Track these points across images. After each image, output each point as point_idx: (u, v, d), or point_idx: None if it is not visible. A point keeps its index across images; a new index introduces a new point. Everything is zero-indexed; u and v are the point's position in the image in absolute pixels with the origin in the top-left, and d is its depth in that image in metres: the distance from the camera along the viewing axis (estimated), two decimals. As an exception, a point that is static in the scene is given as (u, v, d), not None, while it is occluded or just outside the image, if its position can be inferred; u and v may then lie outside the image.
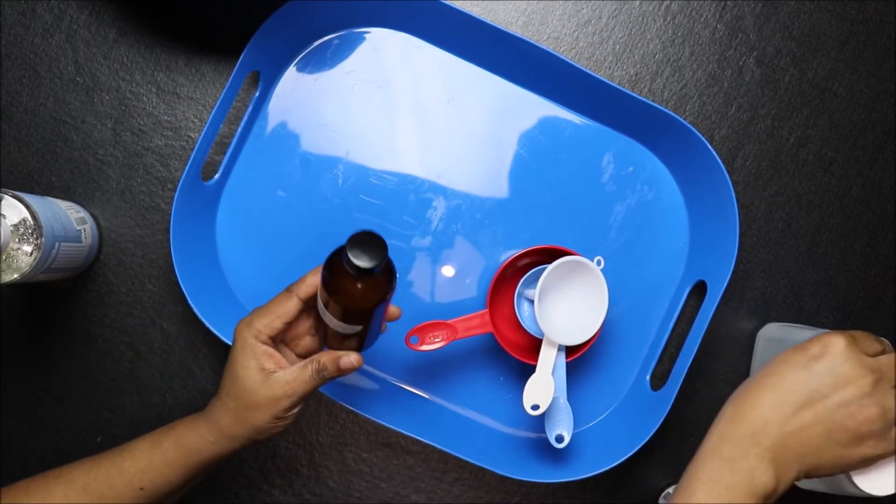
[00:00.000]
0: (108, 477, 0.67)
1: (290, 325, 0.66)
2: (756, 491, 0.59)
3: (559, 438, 0.75)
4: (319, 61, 0.80)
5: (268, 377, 0.64)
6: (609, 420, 0.80)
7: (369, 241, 0.56)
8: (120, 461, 0.68)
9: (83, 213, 0.78)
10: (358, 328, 0.63)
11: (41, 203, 0.71)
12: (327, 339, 0.66)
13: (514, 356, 0.76)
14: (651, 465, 0.82)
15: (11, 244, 0.68)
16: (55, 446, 0.80)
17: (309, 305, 0.67)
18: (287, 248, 0.79)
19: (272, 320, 0.65)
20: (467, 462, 0.78)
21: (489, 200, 0.80)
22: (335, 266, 0.58)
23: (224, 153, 0.79)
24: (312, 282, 0.65)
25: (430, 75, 0.80)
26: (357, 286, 0.58)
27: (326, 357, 0.65)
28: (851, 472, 0.64)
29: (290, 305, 0.65)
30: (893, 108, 0.83)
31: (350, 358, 0.65)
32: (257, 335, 0.65)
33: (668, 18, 0.83)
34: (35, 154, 0.80)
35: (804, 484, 0.70)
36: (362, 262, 0.55)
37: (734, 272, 0.76)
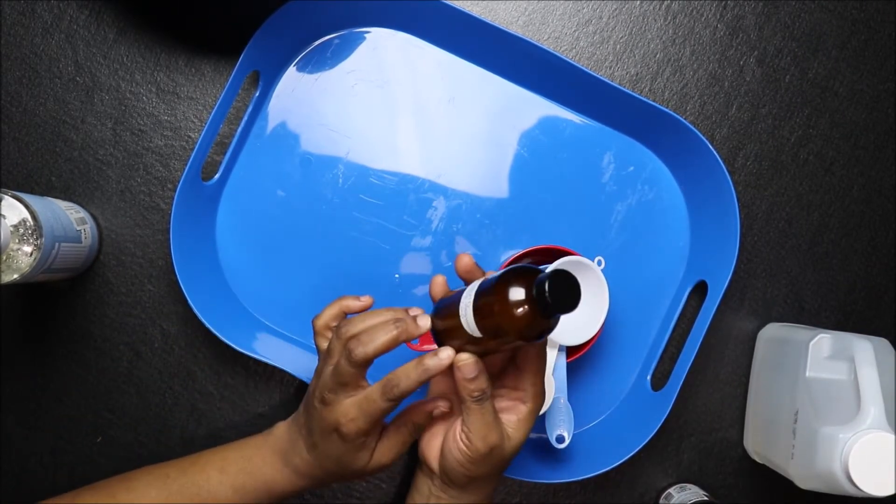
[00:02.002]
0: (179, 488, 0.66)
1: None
2: None
3: (560, 439, 0.75)
4: (319, 61, 0.80)
5: (371, 453, 0.64)
6: (609, 420, 0.80)
7: (571, 283, 0.56)
8: (200, 502, 0.66)
9: (83, 214, 0.78)
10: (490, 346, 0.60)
11: (41, 203, 0.71)
12: (446, 337, 0.62)
13: (514, 356, 0.76)
14: (651, 465, 0.82)
15: (11, 244, 0.68)
16: (55, 446, 0.80)
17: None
18: (287, 247, 0.79)
19: (375, 423, 0.62)
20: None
21: (489, 200, 0.80)
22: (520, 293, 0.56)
23: (224, 153, 0.79)
24: (413, 380, 0.61)
25: (430, 75, 0.80)
26: (535, 320, 0.57)
27: (418, 417, 0.64)
28: (851, 472, 0.64)
29: (390, 409, 0.62)
30: (894, 108, 0.83)
31: (440, 405, 0.64)
32: (363, 434, 0.62)
33: (669, 18, 0.82)
34: (35, 154, 0.80)
35: (804, 484, 0.70)
36: (563, 306, 0.55)
37: (735, 272, 0.75)
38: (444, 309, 0.62)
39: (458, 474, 0.63)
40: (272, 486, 0.66)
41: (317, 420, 0.63)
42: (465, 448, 0.62)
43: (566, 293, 0.55)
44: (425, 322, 0.62)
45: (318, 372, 0.64)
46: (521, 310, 0.56)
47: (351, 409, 0.61)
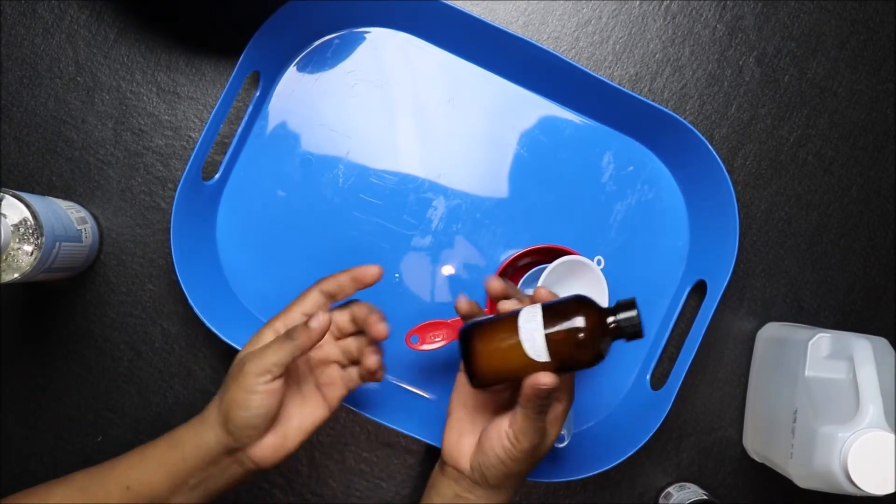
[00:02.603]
0: (101, 475, 0.67)
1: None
2: None
3: (560, 438, 0.75)
4: (319, 61, 0.80)
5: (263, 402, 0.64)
6: (609, 420, 0.80)
7: (635, 309, 0.61)
8: (115, 461, 0.67)
9: (83, 213, 0.78)
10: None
11: (42, 203, 0.71)
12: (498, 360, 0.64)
13: (514, 356, 0.76)
14: (651, 465, 0.82)
15: (12, 244, 0.68)
16: (55, 446, 0.80)
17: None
18: (287, 247, 0.79)
19: (286, 360, 0.63)
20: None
21: (489, 200, 0.80)
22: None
23: (224, 153, 0.79)
24: (323, 326, 0.64)
25: (430, 75, 0.80)
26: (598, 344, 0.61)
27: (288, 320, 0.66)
28: (850, 471, 0.64)
29: (308, 345, 0.64)
30: (893, 108, 0.83)
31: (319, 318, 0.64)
32: (266, 374, 0.63)
33: (668, 18, 0.83)
34: (35, 154, 0.80)
35: (803, 483, 0.70)
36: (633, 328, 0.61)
37: (734, 272, 0.76)
38: (495, 330, 0.63)
39: (497, 472, 0.65)
40: (183, 442, 0.66)
41: (235, 360, 0.66)
42: (510, 446, 0.63)
43: (639, 321, 0.61)
44: (316, 323, 0.63)
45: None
46: (600, 345, 0.61)
47: (267, 343, 0.65)
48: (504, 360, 0.61)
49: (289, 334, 0.63)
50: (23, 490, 0.68)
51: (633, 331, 0.61)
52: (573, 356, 0.60)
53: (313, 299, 0.67)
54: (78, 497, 0.66)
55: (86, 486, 0.67)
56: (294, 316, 0.67)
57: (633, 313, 0.61)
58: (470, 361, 0.62)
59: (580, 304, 0.61)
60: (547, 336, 0.60)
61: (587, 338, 0.60)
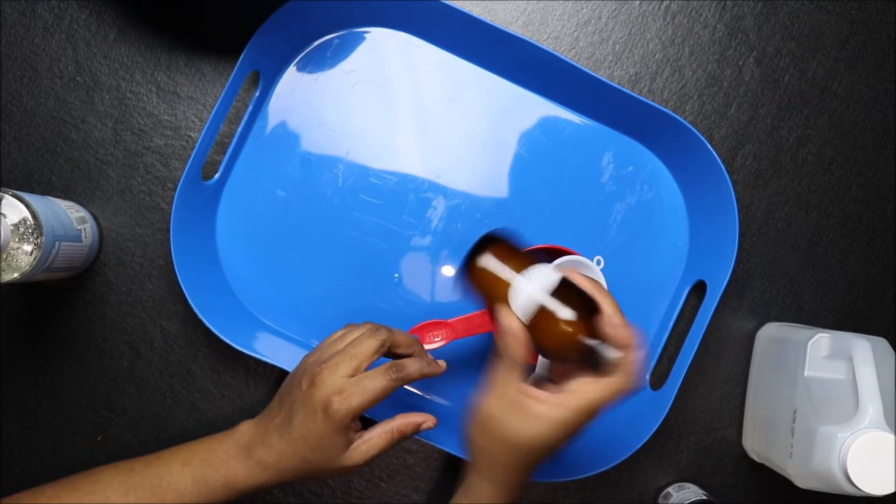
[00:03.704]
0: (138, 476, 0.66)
1: None
2: None
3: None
4: (319, 61, 0.80)
5: (350, 446, 0.64)
6: (608, 419, 0.80)
7: None
8: (161, 493, 0.66)
9: (83, 213, 0.78)
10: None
11: (41, 202, 0.71)
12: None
13: (513, 356, 0.76)
14: (650, 465, 0.82)
15: (11, 243, 0.68)
16: (55, 446, 0.80)
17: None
18: (287, 247, 0.79)
19: (369, 404, 0.63)
20: (467, 462, 0.78)
21: (489, 200, 0.80)
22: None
23: (224, 153, 0.79)
24: (417, 369, 0.65)
25: (430, 75, 0.80)
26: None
27: (407, 428, 0.66)
28: (849, 471, 0.64)
29: (390, 389, 0.64)
30: (893, 108, 0.83)
31: (429, 423, 0.66)
32: (355, 416, 0.63)
33: (668, 18, 0.83)
34: (35, 153, 0.80)
35: (802, 483, 0.70)
36: None
37: (734, 272, 0.76)
38: (508, 257, 0.62)
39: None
40: (232, 478, 0.66)
41: (301, 401, 0.64)
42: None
43: None
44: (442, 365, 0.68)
45: (320, 350, 0.66)
46: (568, 347, 0.59)
47: (347, 385, 0.62)
48: (492, 288, 0.61)
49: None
50: (43, 485, 0.68)
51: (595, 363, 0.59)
52: (541, 338, 0.59)
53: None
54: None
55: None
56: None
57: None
58: (477, 265, 0.62)
59: (586, 301, 0.60)
60: (538, 302, 0.59)
61: (563, 332, 0.59)
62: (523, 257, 0.61)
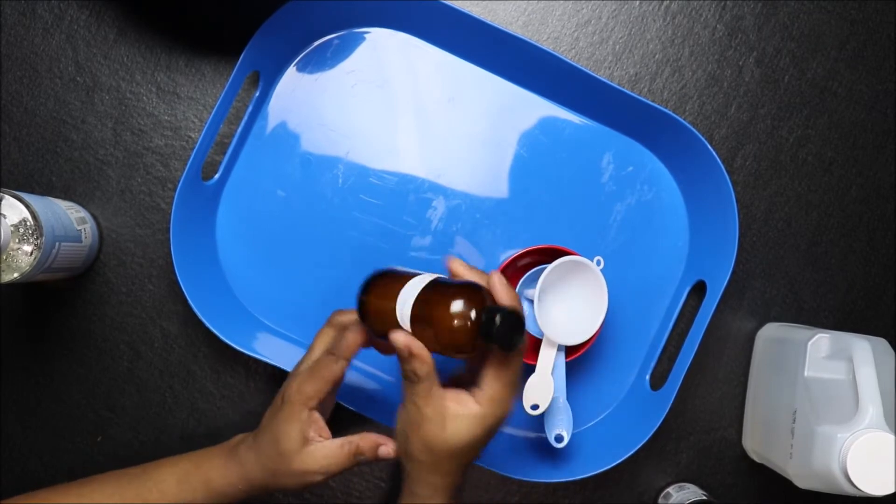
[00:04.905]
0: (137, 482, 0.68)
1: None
2: None
3: (559, 438, 0.75)
4: (319, 61, 0.80)
5: (307, 446, 0.64)
6: (609, 420, 0.81)
7: (518, 323, 0.58)
8: (146, 493, 0.67)
9: (83, 213, 0.78)
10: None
11: (41, 203, 0.71)
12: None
13: (513, 356, 0.76)
14: (650, 465, 0.82)
15: (11, 244, 0.68)
16: (55, 446, 0.80)
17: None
18: (287, 247, 0.79)
19: (322, 386, 0.64)
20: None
21: (489, 200, 0.80)
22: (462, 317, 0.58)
23: (224, 153, 0.79)
24: (355, 340, 0.65)
25: (430, 75, 0.80)
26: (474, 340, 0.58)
27: (364, 443, 0.65)
28: (849, 472, 0.64)
29: (338, 369, 0.65)
30: (893, 108, 0.83)
31: (389, 448, 0.65)
32: (307, 402, 0.64)
33: (668, 18, 0.83)
34: (35, 154, 0.80)
35: (802, 483, 0.70)
36: (512, 340, 0.57)
37: (734, 272, 0.76)
38: (390, 284, 0.62)
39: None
40: (210, 474, 0.67)
41: (272, 404, 0.67)
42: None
43: (513, 332, 0.57)
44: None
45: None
46: (460, 328, 0.58)
47: (301, 373, 0.65)
48: (382, 316, 0.62)
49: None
50: (35, 490, 0.68)
51: (501, 338, 0.57)
52: (434, 335, 0.59)
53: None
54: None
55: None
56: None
57: (500, 320, 0.57)
58: (364, 305, 0.63)
59: (461, 289, 0.59)
60: (413, 305, 0.59)
61: (444, 319, 0.58)
62: (401, 282, 0.62)
